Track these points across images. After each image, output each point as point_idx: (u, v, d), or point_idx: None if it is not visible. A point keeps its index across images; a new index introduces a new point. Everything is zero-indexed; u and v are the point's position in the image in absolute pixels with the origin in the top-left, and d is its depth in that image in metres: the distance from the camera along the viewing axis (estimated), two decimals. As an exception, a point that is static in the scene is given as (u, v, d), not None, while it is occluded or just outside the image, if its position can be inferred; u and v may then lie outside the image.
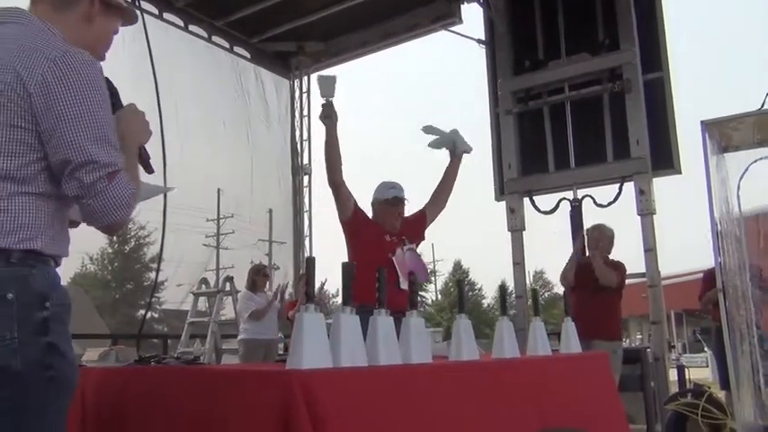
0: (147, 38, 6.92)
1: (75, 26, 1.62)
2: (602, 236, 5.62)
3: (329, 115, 3.58)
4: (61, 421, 1.47)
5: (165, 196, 6.34)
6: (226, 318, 8.48)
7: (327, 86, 3.52)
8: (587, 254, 5.82)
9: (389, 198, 3.72)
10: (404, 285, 3.35)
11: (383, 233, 3.68)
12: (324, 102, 3.57)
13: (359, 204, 3.77)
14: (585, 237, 6.04)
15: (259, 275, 7.38)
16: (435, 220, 4.00)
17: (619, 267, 5.46)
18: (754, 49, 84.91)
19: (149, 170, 1.83)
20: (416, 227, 3.85)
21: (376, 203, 3.81)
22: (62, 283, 1.53)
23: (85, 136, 1.43)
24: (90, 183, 1.42)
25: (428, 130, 3.97)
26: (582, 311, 4.93)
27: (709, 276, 5.82)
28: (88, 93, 1.46)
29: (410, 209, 3.91)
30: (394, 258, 3.48)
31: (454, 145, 3.95)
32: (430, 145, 3.95)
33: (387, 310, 1.79)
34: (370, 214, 3.86)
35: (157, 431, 1.80)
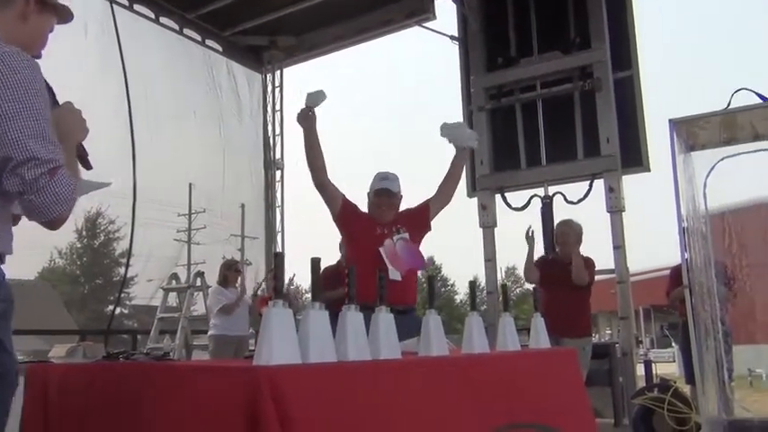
0: (116, 30, 6.83)
1: (10, 25, 1.61)
2: (571, 231, 5.57)
3: (306, 117, 3.53)
4: (4, 413, 1.50)
5: (135, 191, 6.26)
6: (197, 313, 8.41)
7: (314, 98, 3.49)
8: (557, 249, 5.83)
9: (377, 189, 3.67)
10: (394, 276, 3.32)
11: (374, 225, 3.62)
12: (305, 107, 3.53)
13: (348, 199, 3.71)
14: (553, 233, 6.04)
15: (230, 271, 7.32)
16: (441, 210, 3.91)
17: (589, 264, 5.43)
18: (722, 49, 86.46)
19: (88, 166, 1.83)
20: (417, 218, 3.76)
21: (369, 194, 3.77)
22: (5, 280, 1.52)
23: (26, 133, 1.43)
24: (32, 179, 1.42)
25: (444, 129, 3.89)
26: (552, 308, 4.95)
27: (677, 273, 5.89)
28: (27, 91, 1.46)
29: (410, 201, 3.87)
30: (381, 250, 3.43)
31: (461, 138, 3.89)
32: (442, 133, 3.88)
33: (356, 306, 1.79)
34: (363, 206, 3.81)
35: (124, 428, 1.78)
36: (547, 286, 5.19)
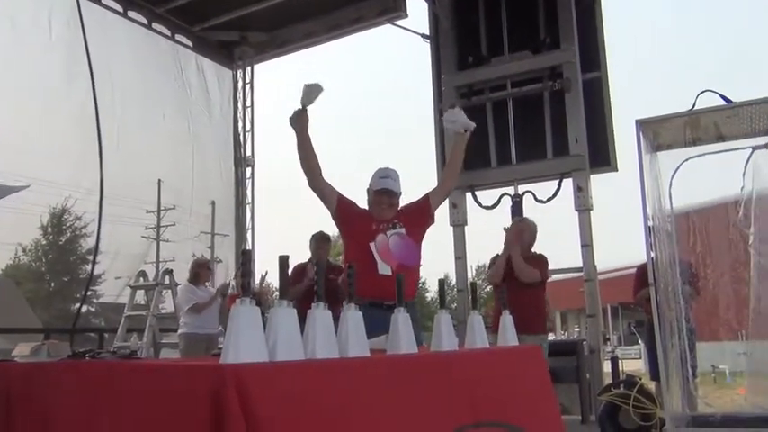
0: (81, 23, 6.71)
1: None
2: (526, 228, 5.51)
3: (298, 120, 3.48)
4: None
5: (102, 187, 6.16)
6: (165, 311, 8.31)
7: (310, 95, 3.37)
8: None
9: (378, 189, 3.60)
10: (384, 271, 3.29)
11: (370, 222, 3.56)
12: (299, 107, 3.45)
13: (344, 196, 3.66)
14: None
15: (202, 269, 7.25)
16: (443, 202, 3.89)
17: (541, 261, 5.36)
18: (688, 51, 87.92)
19: None
20: (418, 212, 3.70)
21: (369, 191, 3.71)
22: None
23: None
24: None
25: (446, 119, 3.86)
26: (509, 306, 4.97)
27: (642, 272, 5.95)
28: None
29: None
30: (371, 245, 3.38)
31: (457, 123, 3.82)
32: (445, 122, 3.88)
33: (324, 304, 1.78)
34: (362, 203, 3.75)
35: (89, 428, 1.76)
36: (502, 285, 5.15)
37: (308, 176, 3.59)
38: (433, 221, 3.77)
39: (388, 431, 1.71)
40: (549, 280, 5.57)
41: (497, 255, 5.51)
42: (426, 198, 3.74)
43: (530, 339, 4.84)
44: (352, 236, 3.62)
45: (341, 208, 3.62)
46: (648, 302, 5.94)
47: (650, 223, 4.32)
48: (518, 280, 5.15)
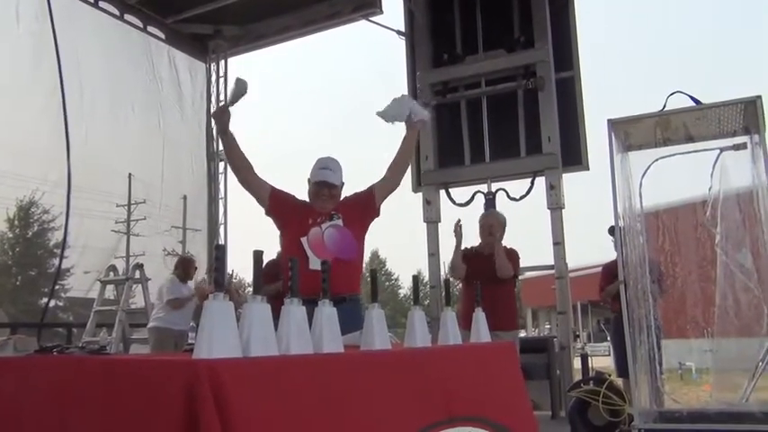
0: (50, 12, 6.58)
1: None
2: (497, 223, 5.46)
3: (220, 119, 3.41)
4: None
5: (70, 180, 6.04)
6: (135, 306, 8.22)
7: (236, 92, 3.27)
8: (479, 242, 5.59)
9: (316, 181, 3.49)
10: (314, 266, 2.90)
11: (307, 215, 3.44)
12: (222, 104, 3.39)
13: (278, 189, 3.54)
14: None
15: (191, 267, 7.24)
16: (389, 195, 3.67)
17: (513, 256, 5.32)
18: (659, 52, 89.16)
19: None
20: (361, 204, 3.56)
21: (309, 182, 3.57)
22: None
23: None
24: None
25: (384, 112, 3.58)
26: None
27: (608, 270, 6.02)
28: None
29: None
30: (303, 240, 3.21)
31: (409, 114, 3.59)
32: (381, 114, 3.56)
33: (299, 299, 1.78)
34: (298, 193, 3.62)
35: (57, 424, 1.73)
36: (471, 280, 5.11)
37: (237, 174, 3.51)
38: (377, 215, 3.63)
39: (362, 427, 1.72)
40: (522, 277, 5.61)
41: (466, 249, 5.43)
42: (371, 190, 3.60)
43: (502, 335, 4.82)
44: (287, 230, 3.52)
45: (274, 203, 3.51)
46: (614, 300, 6.04)
47: (621, 222, 4.38)
48: (488, 276, 5.05)
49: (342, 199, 3.58)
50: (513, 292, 5.40)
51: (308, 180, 3.57)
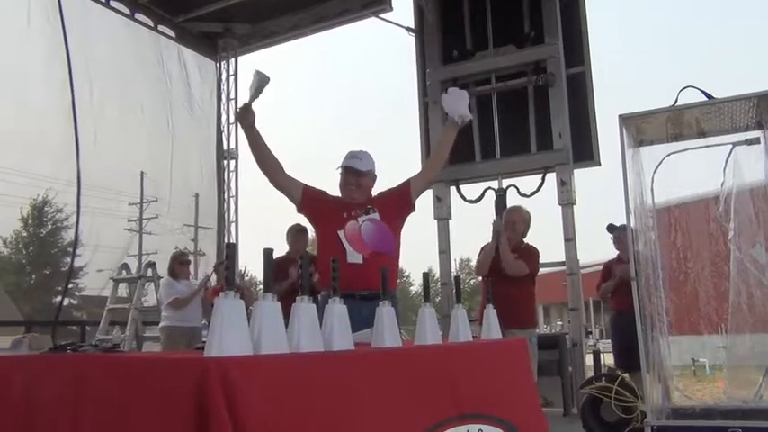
0: (61, 12, 6.62)
1: None
2: (519, 218, 5.42)
3: (245, 117, 3.30)
4: None
5: (79, 179, 6.07)
6: (148, 304, 8.27)
7: (257, 86, 3.13)
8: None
9: (343, 167, 3.47)
10: (353, 259, 3.11)
11: (340, 209, 3.41)
12: (244, 102, 3.26)
13: (310, 186, 3.52)
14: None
15: (179, 262, 7.22)
16: (424, 190, 3.72)
17: (532, 253, 5.28)
18: (671, 47, 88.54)
19: None
20: (396, 198, 3.52)
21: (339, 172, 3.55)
22: None
23: None
24: None
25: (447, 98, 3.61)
26: (497, 300, 4.94)
27: (606, 268, 6.08)
28: None
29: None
30: (340, 233, 3.21)
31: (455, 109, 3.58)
32: (444, 102, 3.61)
33: (309, 297, 1.78)
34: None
35: (70, 421, 1.75)
36: (492, 277, 5.09)
37: (268, 175, 3.46)
38: (413, 209, 3.60)
39: (372, 424, 1.72)
40: (533, 274, 5.53)
41: (487, 244, 5.45)
42: (407, 184, 3.57)
43: (519, 333, 4.81)
44: (321, 225, 3.48)
45: (306, 199, 3.48)
46: (612, 297, 6.05)
47: (632, 218, 4.36)
48: (507, 273, 5.07)
49: (377, 194, 3.56)
50: (532, 290, 5.29)
51: (338, 171, 3.54)
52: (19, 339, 5.85)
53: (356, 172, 3.46)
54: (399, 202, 3.54)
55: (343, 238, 3.18)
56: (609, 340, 7.10)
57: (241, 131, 3.47)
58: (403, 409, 1.84)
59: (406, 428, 1.83)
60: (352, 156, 3.51)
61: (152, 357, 1.93)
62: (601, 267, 6.32)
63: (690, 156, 4.50)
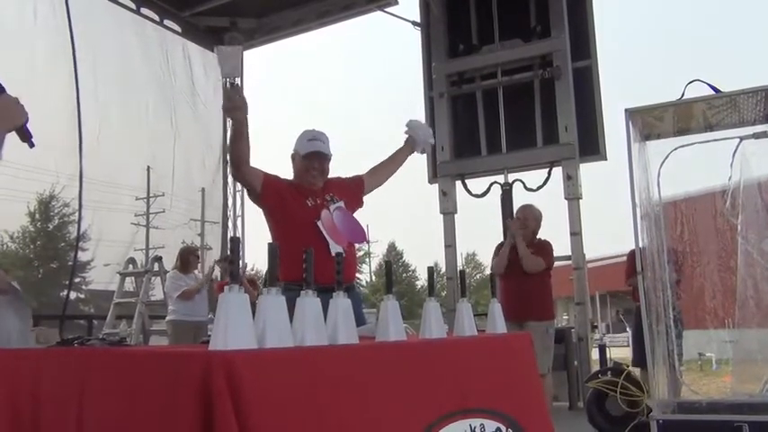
0: (67, 6, 6.62)
1: None
2: (531, 216, 5.53)
3: (237, 105, 2.92)
4: None
5: (81, 173, 6.06)
6: (154, 298, 8.31)
7: (230, 61, 2.82)
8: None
9: (308, 153, 3.21)
10: (336, 250, 2.93)
11: (302, 196, 3.19)
12: (227, 84, 2.97)
13: (268, 173, 3.24)
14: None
15: (189, 256, 7.26)
16: (369, 193, 3.53)
17: (546, 248, 5.41)
18: (678, 40, 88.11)
19: (31, 145, 2.14)
20: (351, 190, 3.38)
21: (296, 156, 3.29)
22: None
23: None
24: None
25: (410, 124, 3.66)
26: (514, 293, 5.01)
27: (634, 256, 6.01)
28: None
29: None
30: (319, 223, 3.03)
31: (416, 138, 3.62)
32: (409, 128, 3.64)
33: (314, 291, 1.78)
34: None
35: (76, 415, 1.75)
36: (507, 272, 5.22)
37: (237, 166, 3.13)
38: (362, 206, 3.46)
39: (377, 417, 1.72)
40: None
41: (502, 243, 5.54)
42: (361, 180, 3.45)
43: (537, 325, 4.89)
44: (287, 215, 3.17)
45: (268, 187, 3.18)
46: (637, 289, 6.01)
47: (639, 212, 4.34)
48: (521, 268, 5.22)
49: (329, 178, 3.36)
50: (548, 283, 5.40)
51: (293, 156, 3.33)
52: (26, 333, 5.87)
53: (324, 156, 3.26)
54: (354, 195, 3.40)
55: (322, 228, 3.02)
56: (615, 335, 7.09)
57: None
58: (407, 402, 1.84)
59: (409, 422, 1.83)
60: (313, 137, 3.26)
61: (157, 351, 1.94)
62: (607, 261, 6.32)
63: (697, 150, 4.47)
